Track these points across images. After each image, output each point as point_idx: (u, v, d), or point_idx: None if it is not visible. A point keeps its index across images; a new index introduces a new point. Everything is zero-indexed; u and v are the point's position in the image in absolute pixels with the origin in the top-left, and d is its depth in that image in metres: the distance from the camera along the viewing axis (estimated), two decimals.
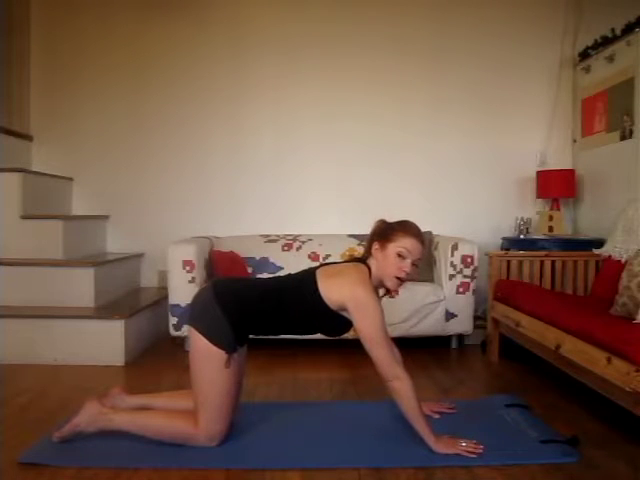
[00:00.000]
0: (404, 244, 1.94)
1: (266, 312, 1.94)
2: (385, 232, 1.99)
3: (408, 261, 1.94)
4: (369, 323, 1.86)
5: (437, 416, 2.19)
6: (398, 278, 1.95)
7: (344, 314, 1.92)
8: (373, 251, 2.00)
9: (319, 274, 1.96)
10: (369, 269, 1.98)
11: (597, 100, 3.70)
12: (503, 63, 4.05)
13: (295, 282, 2.00)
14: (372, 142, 4.07)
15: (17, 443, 1.93)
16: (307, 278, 1.96)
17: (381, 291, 2.05)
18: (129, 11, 4.07)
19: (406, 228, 1.98)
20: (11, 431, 2.06)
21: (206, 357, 1.86)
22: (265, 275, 3.67)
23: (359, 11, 4.04)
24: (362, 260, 2.04)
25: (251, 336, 1.99)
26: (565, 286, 3.25)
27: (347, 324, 1.95)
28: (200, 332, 1.87)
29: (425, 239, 2.03)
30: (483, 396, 2.53)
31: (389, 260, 1.95)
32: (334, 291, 1.90)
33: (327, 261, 3.71)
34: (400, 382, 1.83)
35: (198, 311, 1.94)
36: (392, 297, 2.09)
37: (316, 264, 3.68)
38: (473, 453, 1.83)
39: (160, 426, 1.91)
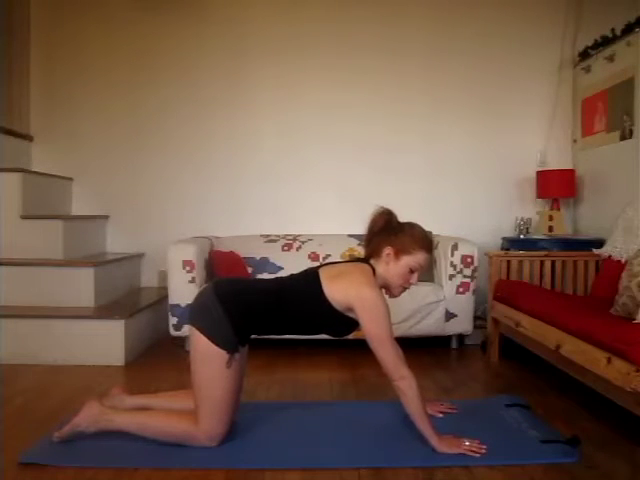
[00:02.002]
0: (419, 260, 1.98)
1: (268, 312, 1.94)
2: (402, 242, 1.97)
3: (416, 274, 1.99)
4: (376, 323, 1.86)
5: (440, 415, 2.19)
6: (403, 287, 2.01)
7: (350, 314, 1.92)
8: (384, 255, 1.98)
9: (322, 274, 1.95)
10: (372, 269, 1.99)
11: (597, 100, 3.70)
12: (503, 63, 4.05)
13: (298, 283, 2.00)
14: (372, 142, 4.07)
15: (17, 443, 1.93)
16: (310, 278, 1.96)
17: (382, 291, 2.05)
18: (129, 11, 4.07)
19: (424, 244, 1.99)
20: (11, 431, 2.06)
21: (207, 357, 1.86)
22: (265, 275, 3.67)
23: (359, 11, 4.04)
24: (364, 259, 2.05)
25: (253, 336, 1.99)
26: (565, 286, 3.25)
27: (353, 324, 1.95)
28: (201, 332, 1.87)
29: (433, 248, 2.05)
30: (483, 396, 2.53)
31: (401, 271, 1.97)
32: (340, 291, 1.90)
33: (327, 261, 3.72)
34: (405, 382, 1.84)
35: (199, 311, 1.93)
36: (392, 297, 2.09)
37: (316, 264, 3.72)
38: (477, 453, 1.83)
39: (160, 426, 1.91)
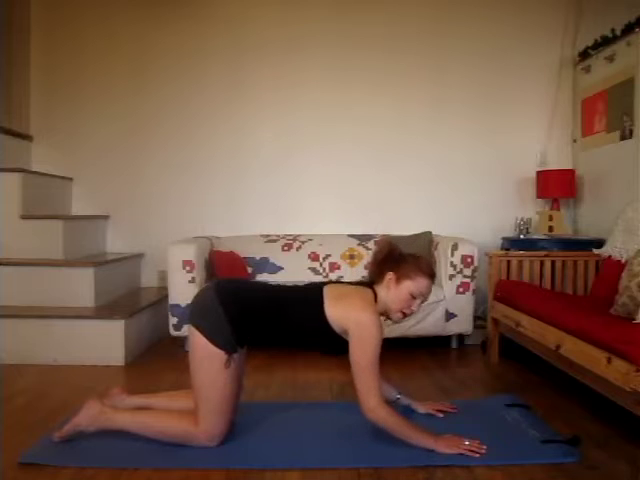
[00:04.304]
0: (420, 286, 1.99)
1: (266, 317, 1.94)
2: (405, 268, 1.99)
3: (418, 301, 2.00)
4: (363, 350, 1.85)
5: (440, 415, 2.20)
6: (403, 313, 2.00)
7: (345, 336, 1.92)
8: (386, 280, 2.00)
9: (326, 292, 1.96)
10: (375, 294, 2.00)
11: (597, 100, 3.70)
12: (503, 63, 4.05)
13: (301, 295, 2.00)
14: (372, 142, 4.07)
15: (17, 443, 1.93)
16: (314, 294, 1.96)
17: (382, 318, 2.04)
18: (129, 12, 4.08)
19: (425, 269, 2.01)
20: (11, 431, 2.06)
21: (206, 357, 1.86)
22: (265, 275, 3.68)
23: (360, 11, 4.04)
24: (368, 284, 2.05)
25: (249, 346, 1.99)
26: (565, 286, 3.25)
27: (346, 346, 1.93)
28: (201, 332, 1.87)
29: (435, 279, 2.08)
30: (483, 396, 2.53)
31: (401, 296, 1.98)
32: (339, 313, 1.90)
33: (328, 260, 3.75)
34: (373, 415, 1.84)
35: (199, 310, 1.94)
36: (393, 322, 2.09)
37: (316, 264, 3.74)
38: (477, 453, 1.83)
39: (160, 426, 1.91)
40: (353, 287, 2.06)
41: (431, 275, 2.02)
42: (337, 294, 1.96)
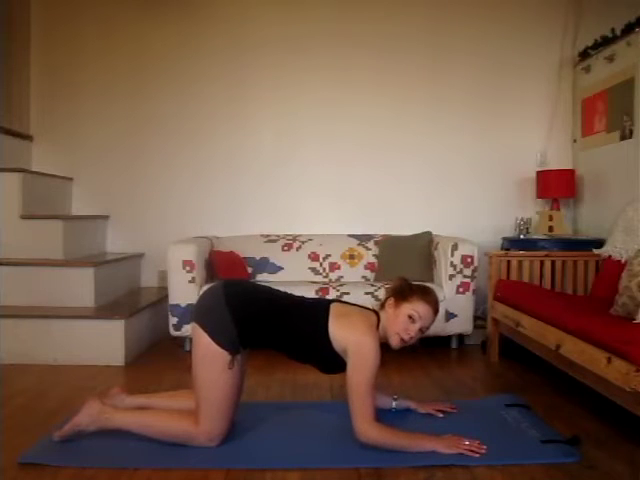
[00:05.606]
0: (418, 308, 1.98)
1: (271, 323, 1.94)
2: (403, 292, 2.02)
3: (417, 325, 1.98)
4: (360, 372, 1.86)
5: (440, 415, 2.20)
6: (401, 338, 1.98)
7: (343, 356, 1.92)
8: (387, 306, 2.03)
9: (332, 310, 1.97)
10: (378, 320, 2.01)
11: (597, 100, 3.70)
12: (503, 63, 4.05)
13: (307, 306, 2.01)
14: (372, 142, 4.07)
15: (17, 443, 1.93)
16: (320, 309, 1.97)
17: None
18: (129, 11, 4.08)
19: (424, 294, 2.03)
20: (11, 431, 2.06)
21: (209, 356, 1.86)
22: (265, 275, 3.68)
23: (359, 11, 4.04)
24: (374, 310, 2.07)
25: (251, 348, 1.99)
26: (565, 286, 3.25)
27: (343, 366, 1.94)
28: (205, 331, 1.87)
29: (439, 309, 2.08)
30: (483, 396, 2.53)
31: (399, 318, 1.99)
32: (341, 331, 1.91)
33: (329, 261, 3.74)
34: (364, 438, 1.84)
35: (205, 310, 1.94)
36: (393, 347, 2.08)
37: (316, 264, 3.74)
38: (477, 453, 1.83)
39: (160, 426, 1.91)
40: (360, 309, 2.07)
41: (431, 301, 2.02)
42: (341, 312, 1.98)
